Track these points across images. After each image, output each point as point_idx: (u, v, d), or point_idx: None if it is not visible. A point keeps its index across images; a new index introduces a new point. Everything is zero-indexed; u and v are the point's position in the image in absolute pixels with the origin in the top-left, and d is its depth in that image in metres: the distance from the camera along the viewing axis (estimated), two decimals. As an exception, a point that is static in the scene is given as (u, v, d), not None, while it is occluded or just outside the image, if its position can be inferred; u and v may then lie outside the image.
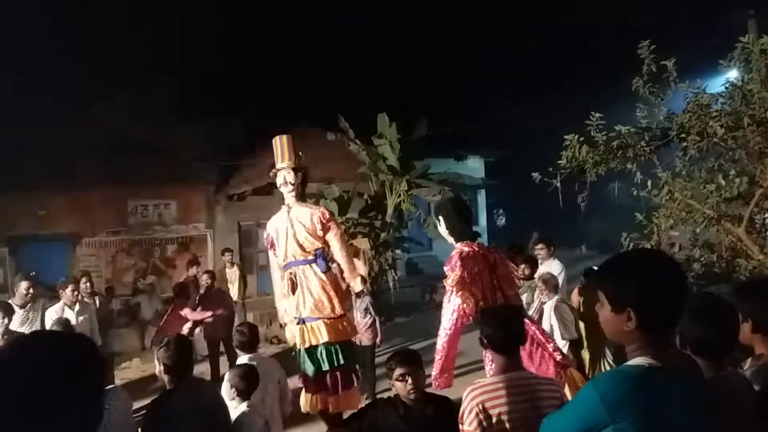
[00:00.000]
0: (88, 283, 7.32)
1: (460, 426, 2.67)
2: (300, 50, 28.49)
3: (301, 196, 5.44)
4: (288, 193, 5.34)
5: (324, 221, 5.24)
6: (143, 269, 14.68)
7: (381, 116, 13.43)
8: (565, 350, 5.24)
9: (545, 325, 5.32)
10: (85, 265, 13.36)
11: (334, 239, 5.33)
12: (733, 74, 6.00)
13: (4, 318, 5.74)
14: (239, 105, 20.26)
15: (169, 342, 3.39)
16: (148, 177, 15.09)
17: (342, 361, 5.00)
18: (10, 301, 6.36)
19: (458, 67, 27.35)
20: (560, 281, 6.08)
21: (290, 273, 5.24)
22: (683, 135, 5.74)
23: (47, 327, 6.01)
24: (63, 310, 6.31)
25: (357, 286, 5.59)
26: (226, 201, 15.52)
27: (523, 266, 6.00)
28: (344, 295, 5.45)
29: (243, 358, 4.43)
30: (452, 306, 3.90)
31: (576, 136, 6.05)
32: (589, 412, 1.65)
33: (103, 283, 12.83)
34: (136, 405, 6.61)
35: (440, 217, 4.32)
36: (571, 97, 17.72)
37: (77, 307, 6.42)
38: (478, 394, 2.63)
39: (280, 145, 5.46)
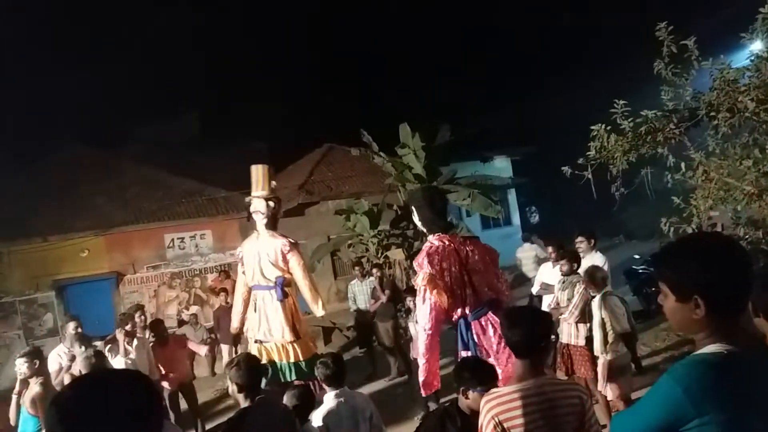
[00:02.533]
0: (142, 317, 7.46)
1: None
2: (316, 67, 28.80)
3: (272, 225, 5.71)
4: (260, 221, 5.65)
5: (284, 252, 5.56)
6: (185, 300, 14.93)
7: (403, 126, 13.45)
8: (618, 344, 5.14)
9: (596, 319, 5.20)
10: (129, 302, 13.66)
11: (296, 267, 5.65)
12: (757, 46, 5.86)
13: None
14: (264, 129, 20.59)
15: (239, 361, 3.46)
16: (182, 209, 15.40)
17: (293, 377, 5.45)
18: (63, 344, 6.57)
19: (475, 68, 27.28)
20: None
21: (254, 296, 5.69)
22: (713, 113, 5.63)
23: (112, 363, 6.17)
24: (123, 343, 6.46)
25: (318, 311, 5.79)
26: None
27: (562, 261, 5.93)
28: (299, 321, 5.74)
29: (329, 394, 3.92)
30: (428, 304, 3.80)
31: (603, 126, 5.99)
32: (671, 406, 1.55)
33: (148, 318, 13.07)
34: None
35: (413, 208, 4.25)
36: (592, 86, 17.52)
37: (135, 342, 6.56)
38: (493, 405, 2.48)
39: (256, 174, 5.69)
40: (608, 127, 5.99)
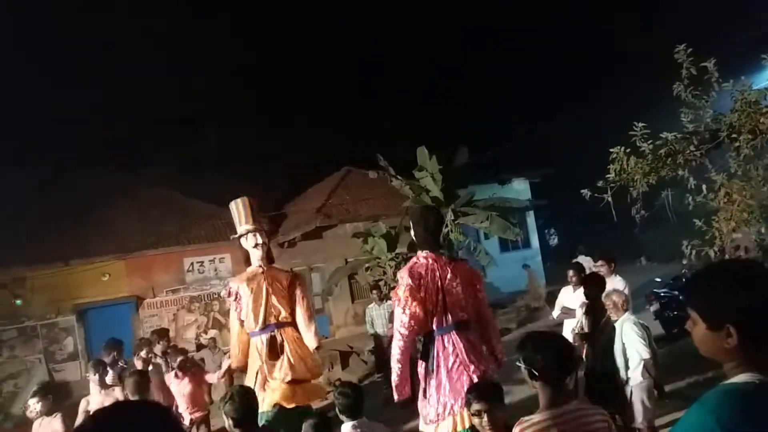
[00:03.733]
0: (165, 342, 7.50)
1: None
2: (334, 90, 29.11)
3: (270, 257, 5.42)
4: (259, 254, 5.32)
5: (293, 280, 5.31)
6: (204, 324, 14.99)
7: (420, 149, 13.52)
8: (639, 369, 5.02)
9: (617, 344, 5.10)
10: (148, 326, 13.75)
11: (298, 296, 5.35)
12: (778, 67, 5.83)
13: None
14: (281, 154, 20.81)
15: (233, 395, 3.38)
16: (201, 233, 15.53)
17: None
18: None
19: (492, 90, 27.39)
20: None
21: (271, 335, 5.18)
22: (734, 135, 5.58)
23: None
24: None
25: (311, 343, 5.41)
26: (278, 248, 15.76)
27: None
28: (313, 358, 5.36)
29: (347, 425, 3.86)
30: (407, 313, 3.97)
31: (622, 149, 5.95)
32: None
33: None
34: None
35: (410, 223, 4.45)
36: (611, 108, 17.49)
37: (150, 368, 6.57)
38: None
39: (241, 208, 5.40)
40: (627, 150, 5.96)
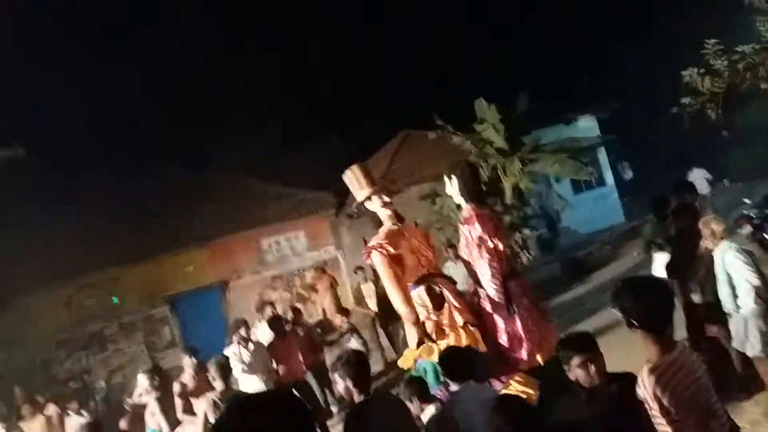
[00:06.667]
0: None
1: (649, 411, 2.50)
2: (388, 54, 28.80)
3: (398, 218, 5.40)
4: (391, 212, 5.30)
5: (429, 237, 5.39)
6: (288, 299, 15.48)
7: (478, 101, 13.24)
8: (752, 296, 4.77)
9: (720, 275, 4.81)
10: (237, 308, 14.31)
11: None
12: None
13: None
14: (341, 126, 20.91)
15: (348, 358, 3.51)
16: (274, 213, 15.94)
17: None
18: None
19: (549, 25, 26.31)
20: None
21: (428, 286, 4.99)
22: (820, 36, 5.13)
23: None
24: (239, 349, 6.80)
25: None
26: (348, 220, 15.95)
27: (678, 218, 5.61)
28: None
29: (452, 388, 3.84)
30: (488, 255, 4.14)
31: (695, 69, 5.59)
32: None
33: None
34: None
35: (453, 177, 4.54)
36: (676, 27, 16.44)
37: (251, 345, 6.90)
38: (657, 377, 2.45)
39: (358, 174, 5.35)
40: (701, 70, 5.59)
